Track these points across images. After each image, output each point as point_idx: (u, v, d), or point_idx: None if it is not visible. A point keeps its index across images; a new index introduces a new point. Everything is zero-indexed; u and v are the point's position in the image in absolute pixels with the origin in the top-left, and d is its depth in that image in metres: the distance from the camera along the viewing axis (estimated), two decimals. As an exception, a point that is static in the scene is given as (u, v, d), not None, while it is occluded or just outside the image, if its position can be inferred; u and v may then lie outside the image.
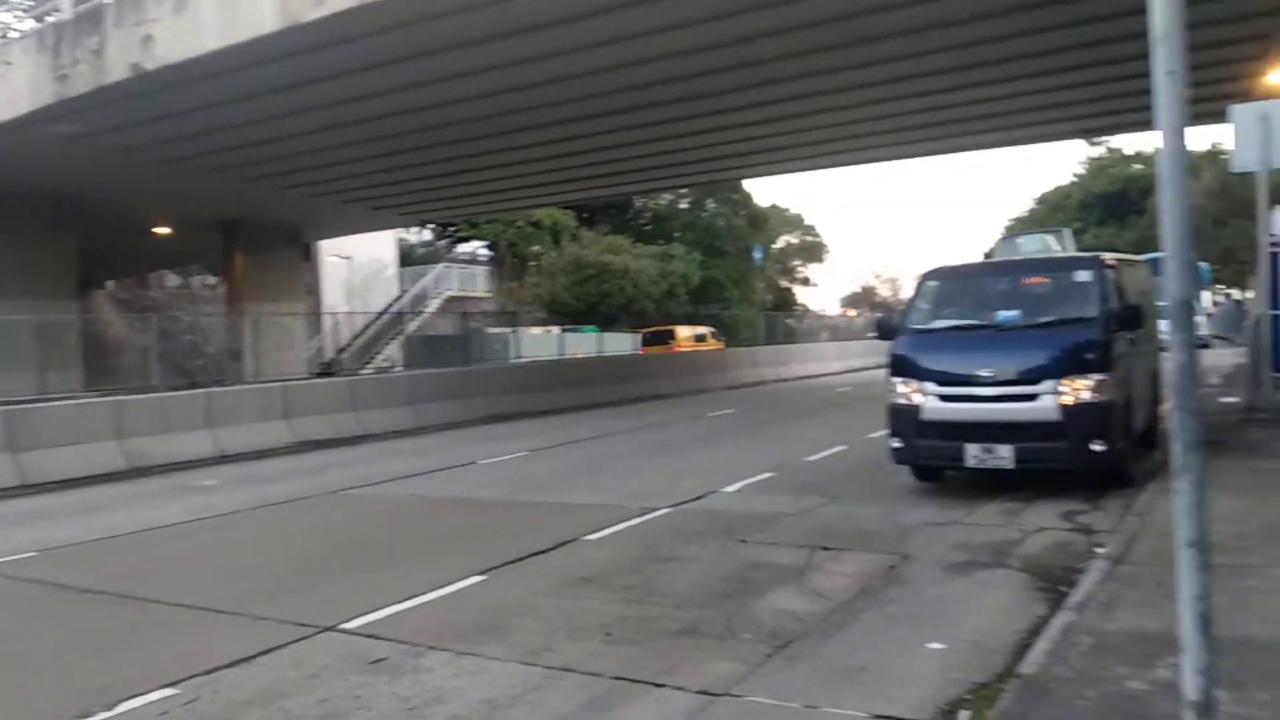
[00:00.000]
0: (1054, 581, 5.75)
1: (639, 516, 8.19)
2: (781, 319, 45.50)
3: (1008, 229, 61.39)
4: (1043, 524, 7.30)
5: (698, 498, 9.02)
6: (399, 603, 5.86)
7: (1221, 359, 20.24)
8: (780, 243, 62.68)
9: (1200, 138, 70.86)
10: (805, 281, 65.28)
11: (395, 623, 5.50)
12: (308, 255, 38.03)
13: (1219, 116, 11.83)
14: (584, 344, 32.96)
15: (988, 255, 15.17)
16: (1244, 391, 12.45)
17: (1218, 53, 17.27)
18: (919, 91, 21.08)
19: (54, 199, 23.95)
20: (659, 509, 8.51)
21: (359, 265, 37.65)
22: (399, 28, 14.15)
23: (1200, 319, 31.94)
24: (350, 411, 15.15)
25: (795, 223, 63.92)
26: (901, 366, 8.68)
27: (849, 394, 22.56)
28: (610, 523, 7.94)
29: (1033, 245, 9.80)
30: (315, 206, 28.62)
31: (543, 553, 7.08)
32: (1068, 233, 10.03)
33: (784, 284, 63.31)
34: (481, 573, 6.54)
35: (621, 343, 34.70)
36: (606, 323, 38.28)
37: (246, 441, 13.57)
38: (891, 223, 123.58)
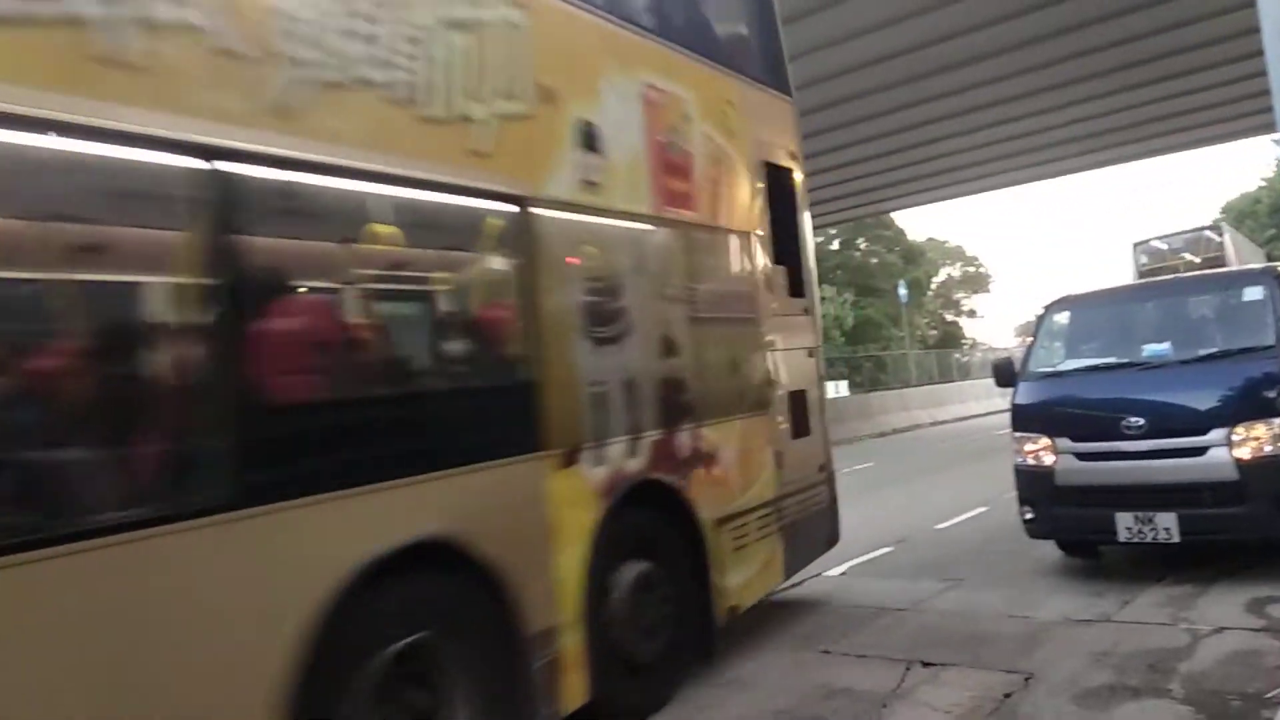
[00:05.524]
0: (1230, 723, 4.17)
1: (712, 617, 6.91)
2: (944, 356, 42.70)
3: None
4: (1222, 621, 5.58)
5: (794, 584, 7.66)
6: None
7: None
8: (941, 275, 59.61)
9: None
10: (971, 314, 61.72)
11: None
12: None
13: None
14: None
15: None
16: None
17: None
18: (1076, 99, 19.34)
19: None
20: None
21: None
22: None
23: None
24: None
25: (956, 254, 60.66)
26: (1026, 419, 7.11)
27: (1006, 437, 20.33)
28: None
29: (1175, 247, 7.81)
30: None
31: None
32: (1232, 234, 7.92)
33: (950, 318, 60.09)
34: None
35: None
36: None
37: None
38: (1064, 244, 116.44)
